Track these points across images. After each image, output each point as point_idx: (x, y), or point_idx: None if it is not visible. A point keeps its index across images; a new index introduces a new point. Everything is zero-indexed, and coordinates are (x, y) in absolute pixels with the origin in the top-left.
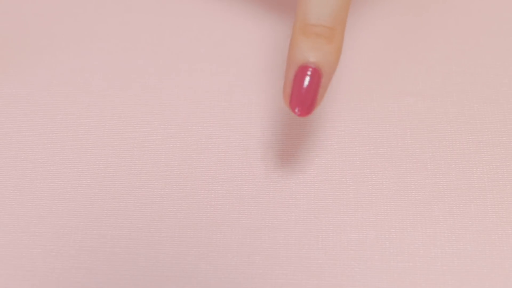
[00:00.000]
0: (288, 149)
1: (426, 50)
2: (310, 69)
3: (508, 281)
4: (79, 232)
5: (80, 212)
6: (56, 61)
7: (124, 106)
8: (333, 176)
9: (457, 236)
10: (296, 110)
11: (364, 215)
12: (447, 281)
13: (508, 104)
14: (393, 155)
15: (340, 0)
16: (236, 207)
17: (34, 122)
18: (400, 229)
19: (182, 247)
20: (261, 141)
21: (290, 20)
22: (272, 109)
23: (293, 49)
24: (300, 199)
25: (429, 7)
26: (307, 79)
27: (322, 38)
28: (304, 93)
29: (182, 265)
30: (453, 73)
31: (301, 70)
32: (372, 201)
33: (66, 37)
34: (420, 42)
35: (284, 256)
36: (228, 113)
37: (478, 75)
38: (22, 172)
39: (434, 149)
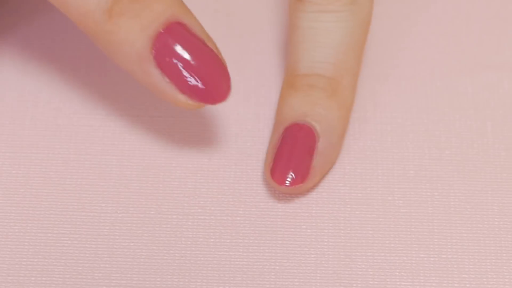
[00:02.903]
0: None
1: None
2: (302, 128)
3: (508, 282)
4: (78, 232)
5: (81, 213)
6: (55, 59)
7: (123, 106)
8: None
9: (456, 236)
10: (286, 183)
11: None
12: (447, 280)
13: None
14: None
15: (345, 41)
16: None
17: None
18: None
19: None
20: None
21: None
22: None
23: (280, 108)
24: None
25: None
26: (297, 141)
27: (318, 90)
28: (291, 160)
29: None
30: None
31: (289, 131)
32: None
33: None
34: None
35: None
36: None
37: None
38: (22, 172)
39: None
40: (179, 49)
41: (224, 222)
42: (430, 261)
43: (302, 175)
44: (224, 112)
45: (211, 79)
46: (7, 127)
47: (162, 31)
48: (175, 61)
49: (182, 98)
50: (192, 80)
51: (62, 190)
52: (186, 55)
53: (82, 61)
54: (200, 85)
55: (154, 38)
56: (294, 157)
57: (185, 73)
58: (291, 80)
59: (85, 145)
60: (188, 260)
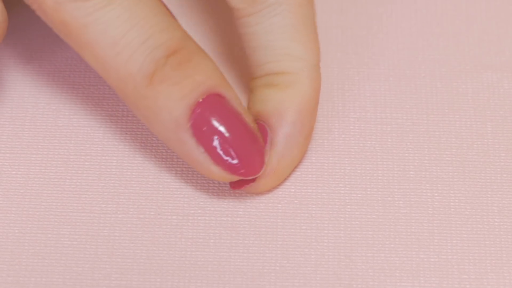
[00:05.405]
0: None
1: None
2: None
3: (508, 282)
4: (78, 233)
5: (81, 213)
6: (55, 60)
7: (124, 106)
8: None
9: (457, 237)
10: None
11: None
12: (447, 281)
13: None
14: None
15: (289, 31)
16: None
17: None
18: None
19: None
20: None
21: None
22: None
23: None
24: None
25: None
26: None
27: (271, 88)
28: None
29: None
30: None
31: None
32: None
33: None
34: None
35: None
36: None
37: None
38: (22, 172)
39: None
40: (216, 120)
41: (224, 223)
42: (430, 262)
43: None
44: None
45: (245, 153)
46: (7, 128)
47: (201, 101)
48: (211, 132)
49: (215, 169)
50: (226, 153)
51: (62, 190)
52: (223, 128)
53: (82, 62)
54: (234, 159)
55: (193, 107)
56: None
57: (221, 145)
58: (250, 85)
59: (85, 145)
60: (188, 261)
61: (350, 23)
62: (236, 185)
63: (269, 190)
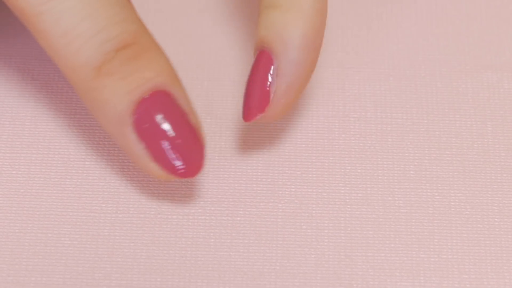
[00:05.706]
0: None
1: None
2: (261, 55)
3: (508, 282)
4: (79, 232)
5: (81, 213)
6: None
7: None
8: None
9: (457, 237)
10: (250, 117)
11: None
12: (447, 281)
13: None
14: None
15: None
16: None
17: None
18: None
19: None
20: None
21: None
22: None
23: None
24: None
25: None
26: (253, 71)
27: (274, 9)
28: (250, 93)
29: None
30: None
31: (254, 62)
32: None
33: None
34: None
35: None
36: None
37: None
38: (23, 172)
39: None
40: (159, 118)
41: (224, 222)
42: (430, 262)
43: (260, 104)
44: (224, 112)
45: (185, 153)
46: (7, 127)
47: (146, 97)
48: (153, 129)
49: (153, 167)
50: (167, 152)
51: (62, 190)
52: (166, 126)
53: None
54: (173, 158)
55: (137, 103)
56: (251, 88)
57: (162, 143)
58: (258, 8)
59: (85, 145)
60: (188, 261)
61: (350, 23)
62: (248, 117)
63: (280, 118)
